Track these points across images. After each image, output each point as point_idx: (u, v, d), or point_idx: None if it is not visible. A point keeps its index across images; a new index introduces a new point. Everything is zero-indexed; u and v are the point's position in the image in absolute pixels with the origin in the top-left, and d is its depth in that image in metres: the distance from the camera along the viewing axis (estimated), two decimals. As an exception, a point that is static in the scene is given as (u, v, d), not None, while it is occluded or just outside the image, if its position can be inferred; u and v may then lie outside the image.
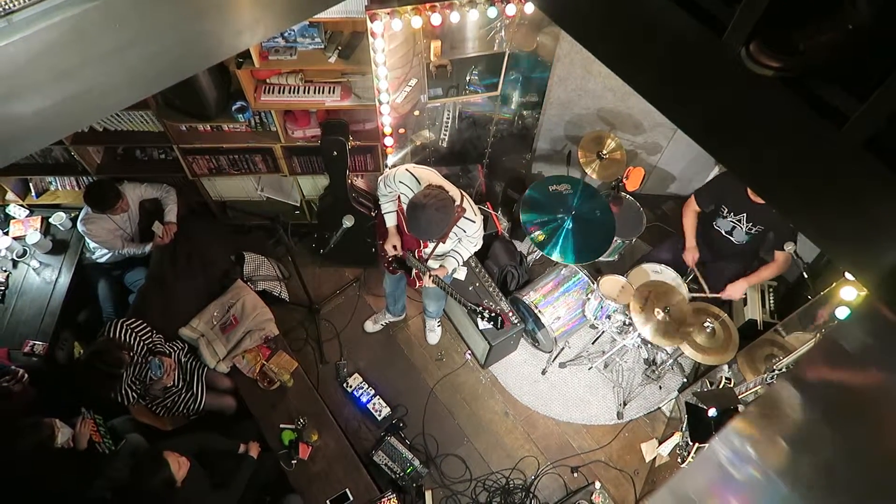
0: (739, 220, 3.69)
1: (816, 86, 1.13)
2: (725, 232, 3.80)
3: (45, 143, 2.61)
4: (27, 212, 4.25)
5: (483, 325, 3.81)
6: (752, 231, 3.67)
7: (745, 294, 4.09)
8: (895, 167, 1.04)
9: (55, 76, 1.47)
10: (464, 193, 3.02)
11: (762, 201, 3.48)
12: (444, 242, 3.11)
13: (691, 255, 3.95)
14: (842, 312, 3.07)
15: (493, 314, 3.29)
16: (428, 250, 3.23)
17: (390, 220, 3.27)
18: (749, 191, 3.55)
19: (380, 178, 3.16)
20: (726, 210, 3.72)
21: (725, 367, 3.74)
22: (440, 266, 3.27)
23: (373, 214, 4.15)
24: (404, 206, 3.02)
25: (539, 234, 3.88)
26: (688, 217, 3.98)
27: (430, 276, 3.22)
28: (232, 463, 3.30)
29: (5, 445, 3.02)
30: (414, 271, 3.39)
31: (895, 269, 1.14)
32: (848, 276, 3.09)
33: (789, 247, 3.44)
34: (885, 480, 0.99)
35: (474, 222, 3.00)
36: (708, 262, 4.05)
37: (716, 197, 3.81)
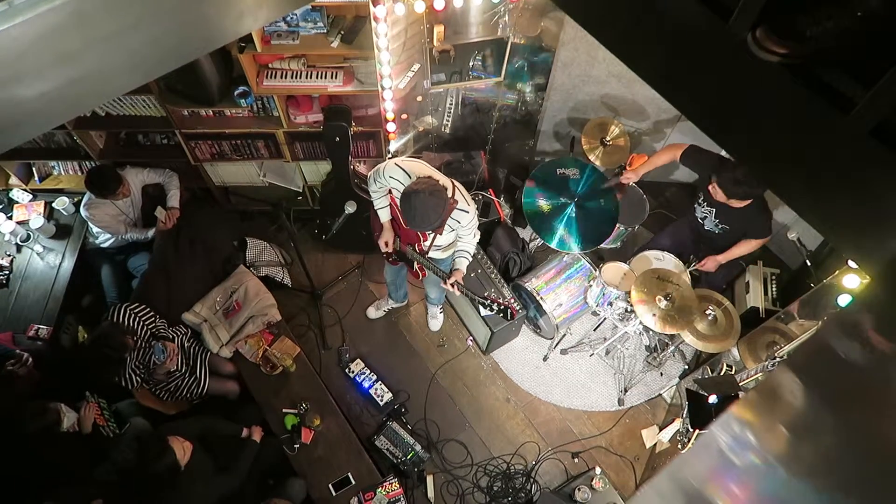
0: (710, 213, 3.65)
1: (823, 72, 1.13)
2: (700, 218, 3.75)
3: (47, 127, 2.61)
4: (30, 196, 4.25)
5: (486, 312, 3.81)
6: (720, 227, 3.63)
7: (748, 281, 4.09)
8: (901, 154, 1.04)
9: (57, 60, 1.46)
10: (455, 183, 2.96)
11: (723, 200, 3.41)
12: (441, 234, 3.06)
13: (626, 177, 3.85)
14: (844, 300, 3.07)
15: (501, 306, 3.20)
16: (427, 243, 3.20)
17: (384, 216, 3.23)
18: (710, 190, 3.46)
19: (369, 175, 3.10)
20: (702, 198, 3.67)
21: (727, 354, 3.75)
22: (456, 269, 3.19)
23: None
24: (397, 201, 2.94)
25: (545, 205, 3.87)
26: (663, 151, 3.75)
27: (451, 284, 3.16)
28: (235, 447, 3.34)
29: (13, 429, 3.05)
30: (416, 265, 3.37)
31: (898, 256, 1.14)
32: (851, 263, 3.09)
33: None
34: (885, 466, 1.00)
35: (468, 212, 2.95)
36: (700, 248, 3.98)
37: (699, 170, 3.69)
